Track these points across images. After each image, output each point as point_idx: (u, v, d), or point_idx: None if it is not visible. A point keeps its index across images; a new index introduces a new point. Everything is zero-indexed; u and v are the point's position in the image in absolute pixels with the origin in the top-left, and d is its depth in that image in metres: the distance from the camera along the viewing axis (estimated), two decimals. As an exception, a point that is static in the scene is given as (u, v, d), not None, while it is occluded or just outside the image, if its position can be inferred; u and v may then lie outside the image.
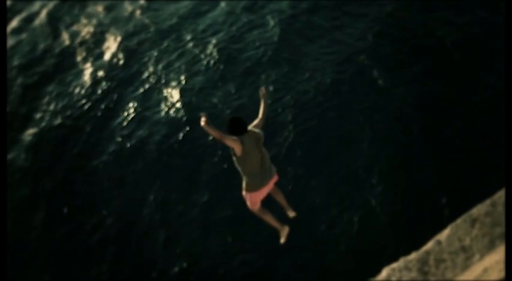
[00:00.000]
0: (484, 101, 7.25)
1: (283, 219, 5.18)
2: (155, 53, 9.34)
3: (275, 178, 4.92)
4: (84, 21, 11.00)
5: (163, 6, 10.71)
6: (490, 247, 3.39)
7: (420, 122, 7.22)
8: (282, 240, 5.11)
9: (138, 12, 10.66)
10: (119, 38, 9.98)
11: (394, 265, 3.52)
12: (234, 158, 4.62)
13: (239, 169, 4.72)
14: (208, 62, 8.93)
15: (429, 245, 3.54)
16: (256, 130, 4.70)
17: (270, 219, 5.08)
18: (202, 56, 9.09)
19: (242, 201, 7.36)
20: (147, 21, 10.28)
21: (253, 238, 6.42)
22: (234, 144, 4.51)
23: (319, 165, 7.10)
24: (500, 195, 3.55)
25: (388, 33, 8.88)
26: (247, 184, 4.75)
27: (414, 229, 5.59)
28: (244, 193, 4.84)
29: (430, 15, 9.00)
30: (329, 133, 7.47)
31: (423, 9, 9.17)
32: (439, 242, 3.54)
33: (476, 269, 3.22)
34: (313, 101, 7.97)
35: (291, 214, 5.26)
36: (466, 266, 3.40)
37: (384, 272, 3.55)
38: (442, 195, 6.10)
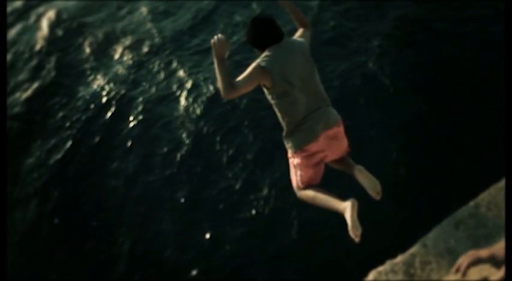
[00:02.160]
0: (499, 111, 7.17)
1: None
2: (162, 63, 9.43)
3: (339, 125, 3.11)
4: (88, 30, 11.01)
5: (169, 14, 10.81)
6: (474, 248, 3.43)
7: (431, 131, 7.17)
8: (355, 233, 2.80)
9: (144, 20, 10.74)
10: (124, 48, 10.09)
11: (381, 268, 3.58)
12: (266, 92, 2.96)
13: (276, 110, 3.00)
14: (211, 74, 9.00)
15: (415, 247, 3.60)
16: (299, 40, 3.00)
17: (328, 201, 3.02)
18: (206, 65, 9.17)
19: (251, 216, 7.36)
20: (153, 30, 10.37)
21: (260, 251, 6.40)
22: (253, 75, 2.78)
23: (325, 173, 7.08)
24: (483, 197, 3.60)
25: (396, 37, 8.88)
26: (292, 137, 2.95)
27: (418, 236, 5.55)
28: (290, 156, 3.07)
29: (439, 20, 9.00)
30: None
31: (431, 14, 9.18)
32: (424, 245, 3.59)
33: (458, 271, 3.26)
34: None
35: (357, 169, 3.15)
36: (450, 268, 3.44)
37: (371, 276, 3.61)
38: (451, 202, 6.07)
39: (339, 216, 5.67)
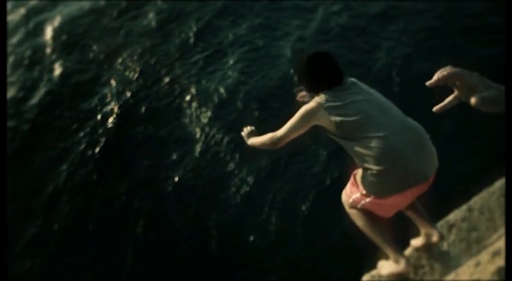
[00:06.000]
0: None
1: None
2: (166, 69, 9.49)
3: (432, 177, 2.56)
4: (91, 37, 11.02)
5: (172, 20, 10.87)
6: (467, 251, 3.43)
7: (436, 137, 7.11)
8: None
9: (147, 28, 10.81)
10: (127, 54, 10.14)
11: (374, 272, 3.59)
12: (329, 134, 2.55)
13: (351, 152, 2.50)
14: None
15: (408, 251, 3.61)
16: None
17: (381, 241, 2.88)
18: (210, 71, 9.18)
19: (258, 224, 7.30)
20: (156, 37, 10.42)
21: (267, 257, 6.44)
22: (305, 120, 2.44)
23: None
24: (475, 200, 3.61)
25: (404, 44, 8.86)
26: (373, 180, 2.45)
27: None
28: (363, 193, 2.60)
29: (446, 28, 8.97)
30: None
31: (438, 21, 9.16)
32: (417, 249, 3.60)
33: (450, 275, 3.28)
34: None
35: (435, 237, 3.04)
36: (443, 271, 3.45)
37: (364, 278, 3.63)
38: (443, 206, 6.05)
39: (343, 223, 5.62)
